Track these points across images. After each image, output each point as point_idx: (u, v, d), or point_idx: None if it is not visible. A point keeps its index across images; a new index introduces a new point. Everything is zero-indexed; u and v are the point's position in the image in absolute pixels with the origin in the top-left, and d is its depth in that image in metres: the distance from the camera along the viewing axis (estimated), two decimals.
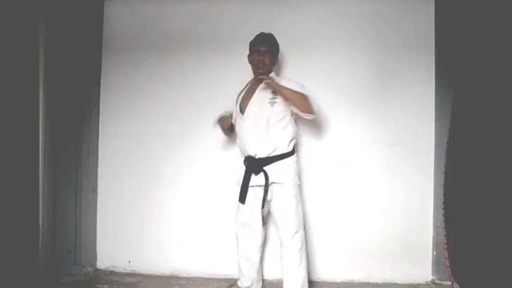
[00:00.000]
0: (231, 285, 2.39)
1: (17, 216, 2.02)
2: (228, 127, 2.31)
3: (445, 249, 2.11)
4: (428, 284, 2.56)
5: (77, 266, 2.70)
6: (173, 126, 2.71)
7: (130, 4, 2.75)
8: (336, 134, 2.60)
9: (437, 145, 2.56)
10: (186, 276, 2.66)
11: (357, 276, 2.60)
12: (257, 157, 2.18)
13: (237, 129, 2.27)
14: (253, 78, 2.30)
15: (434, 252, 2.57)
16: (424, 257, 2.58)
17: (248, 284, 2.32)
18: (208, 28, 2.69)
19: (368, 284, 2.58)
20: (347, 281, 2.61)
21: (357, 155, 2.63)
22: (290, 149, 2.22)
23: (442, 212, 2.20)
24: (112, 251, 2.74)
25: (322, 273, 2.61)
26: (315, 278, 2.59)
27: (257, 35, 2.28)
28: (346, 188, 2.63)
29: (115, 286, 2.51)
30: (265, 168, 2.17)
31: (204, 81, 2.69)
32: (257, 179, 2.19)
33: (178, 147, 2.70)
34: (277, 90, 2.15)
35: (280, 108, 2.18)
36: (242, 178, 2.23)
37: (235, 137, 2.33)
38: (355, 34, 2.63)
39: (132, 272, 2.71)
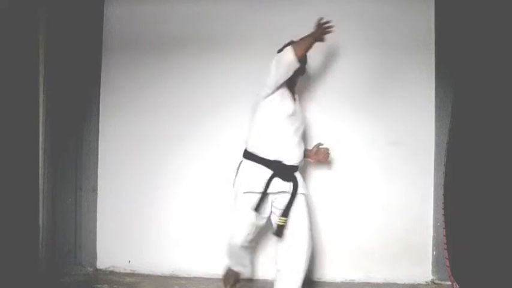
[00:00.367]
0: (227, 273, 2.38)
1: (17, 216, 2.02)
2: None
3: (445, 249, 2.11)
4: (428, 284, 2.57)
5: (77, 266, 2.70)
6: (173, 125, 2.71)
7: (130, 4, 2.76)
8: (336, 134, 2.60)
9: (437, 145, 2.57)
10: (186, 276, 2.66)
11: (357, 276, 2.61)
12: (289, 164, 2.05)
13: (276, 131, 2.06)
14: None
15: (434, 252, 2.57)
16: (424, 257, 2.58)
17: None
18: (207, 28, 2.69)
19: (368, 284, 2.58)
20: (347, 281, 2.61)
21: (357, 155, 2.63)
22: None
23: (442, 212, 2.20)
24: (112, 251, 2.74)
25: (322, 273, 2.62)
26: (315, 278, 2.59)
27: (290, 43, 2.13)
28: (346, 188, 2.64)
29: (115, 286, 2.51)
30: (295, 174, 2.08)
31: (202, 80, 2.69)
32: (280, 186, 2.04)
33: (178, 146, 2.70)
34: None
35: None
36: (260, 184, 2.02)
37: (254, 138, 2.11)
38: (355, 34, 2.63)
39: (132, 272, 2.71)
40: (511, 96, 1.82)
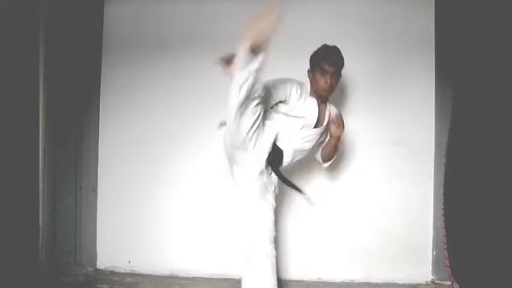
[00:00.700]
0: None
1: (17, 216, 2.01)
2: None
3: (445, 249, 2.12)
4: (428, 284, 2.57)
5: (77, 266, 2.70)
6: (173, 125, 2.71)
7: (130, 4, 2.76)
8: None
9: (437, 145, 2.57)
10: (186, 276, 2.66)
11: (357, 276, 2.61)
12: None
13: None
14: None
15: (434, 252, 2.57)
16: (424, 257, 2.58)
17: None
18: (207, 28, 2.69)
19: (368, 284, 2.58)
20: (347, 281, 2.61)
21: (357, 155, 2.63)
22: None
23: (442, 212, 2.20)
24: (112, 251, 2.74)
25: (322, 273, 2.62)
26: (315, 278, 2.59)
27: (326, 49, 2.10)
28: (346, 188, 2.64)
29: (115, 286, 2.51)
30: None
31: (203, 80, 2.69)
32: None
33: (178, 146, 2.70)
34: None
35: None
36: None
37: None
38: (356, 34, 2.63)
39: (132, 272, 2.71)
40: (510, 97, 1.82)
